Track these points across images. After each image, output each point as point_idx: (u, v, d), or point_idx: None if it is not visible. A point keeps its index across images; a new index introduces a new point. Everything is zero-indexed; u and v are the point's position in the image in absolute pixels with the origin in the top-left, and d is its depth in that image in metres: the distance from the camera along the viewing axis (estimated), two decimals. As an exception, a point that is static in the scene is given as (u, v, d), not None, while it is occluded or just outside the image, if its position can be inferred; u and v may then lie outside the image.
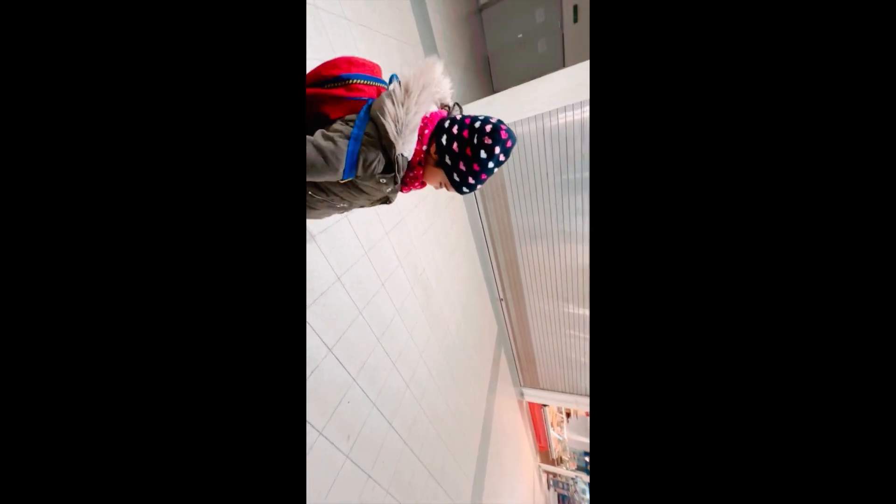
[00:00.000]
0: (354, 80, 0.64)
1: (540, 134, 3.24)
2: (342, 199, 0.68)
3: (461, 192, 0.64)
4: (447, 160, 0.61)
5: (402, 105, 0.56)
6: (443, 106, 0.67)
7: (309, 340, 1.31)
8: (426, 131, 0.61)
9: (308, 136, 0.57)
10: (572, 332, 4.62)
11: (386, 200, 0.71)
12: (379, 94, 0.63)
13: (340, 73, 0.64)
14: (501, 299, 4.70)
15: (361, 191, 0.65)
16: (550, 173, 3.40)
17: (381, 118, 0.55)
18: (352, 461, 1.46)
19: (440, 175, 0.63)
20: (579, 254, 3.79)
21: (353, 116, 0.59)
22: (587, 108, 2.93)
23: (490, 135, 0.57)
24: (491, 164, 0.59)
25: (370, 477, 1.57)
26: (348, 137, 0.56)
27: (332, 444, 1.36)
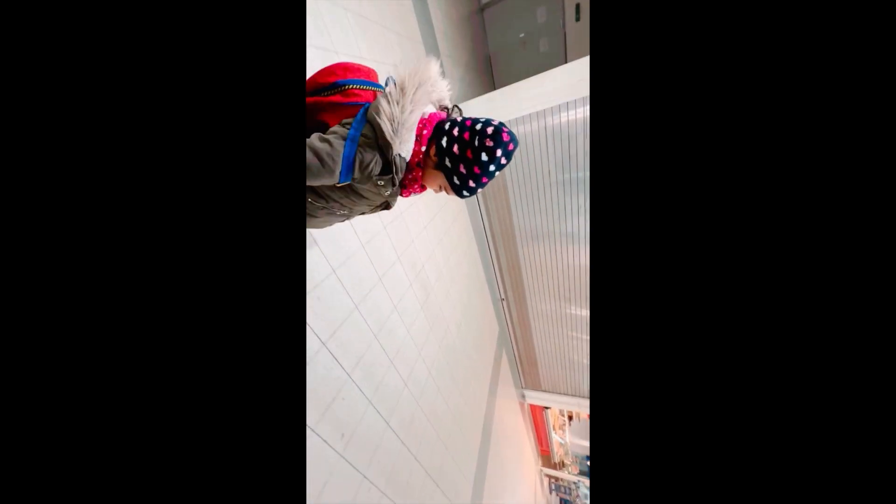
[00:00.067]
0: (351, 86, 0.64)
1: (542, 132, 3.22)
2: (342, 205, 0.67)
3: (461, 196, 0.62)
4: (447, 163, 0.59)
5: (398, 103, 0.55)
6: (442, 108, 0.66)
7: (302, 334, 1.26)
8: (425, 132, 0.60)
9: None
10: (575, 333, 4.57)
11: (386, 206, 0.70)
12: (375, 97, 0.62)
13: (336, 80, 0.64)
14: (503, 299, 4.66)
15: (360, 195, 0.64)
16: (553, 172, 3.38)
17: (377, 118, 0.55)
18: (346, 460, 1.41)
19: (440, 178, 0.62)
20: (582, 254, 3.75)
21: (350, 120, 0.58)
22: (589, 106, 2.90)
23: (491, 136, 0.55)
24: (492, 167, 0.57)
25: (365, 477, 1.52)
26: (344, 139, 0.55)
27: (326, 441, 1.32)
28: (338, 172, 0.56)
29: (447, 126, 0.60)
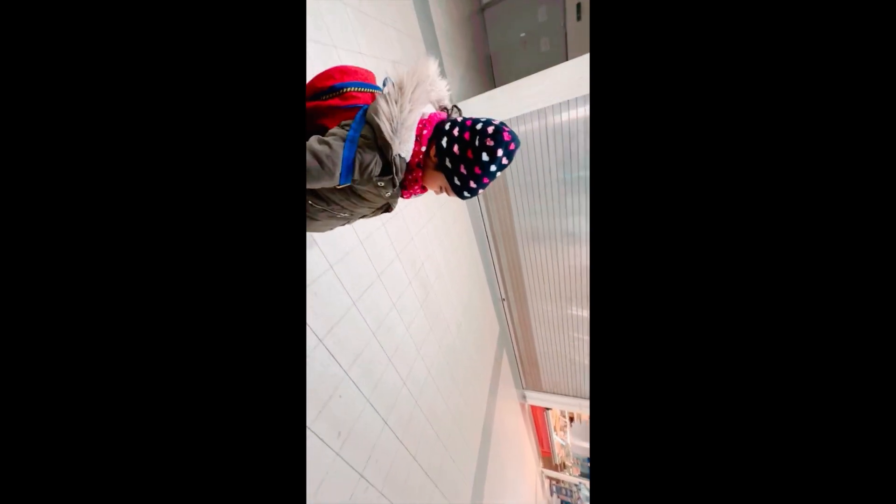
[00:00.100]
0: (348, 89, 0.64)
1: (543, 131, 3.21)
2: (342, 207, 0.66)
3: (462, 197, 0.61)
4: (447, 163, 0.58)
5: (397, 103, 0.54)
6: (441, 108, 0.65)
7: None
8: (425, 132, 0.59)
9: None
10: (576, 334, 4.54)
11: (388, 208, 0.69)
12: (374, 99, 0.62)
13: (334, 84, 0.64)
14: (503, 299, 4.63)
15: (361, 197, 0.63)
16: (554, 170, 3.36)
17: (376, 118, 0.54)
18: (343, 459, 1.39)
19: (440, 179, 0.61)
20: (584, 254, 3.73)
21: (349, 122, 0.58)
22: (589, 105, 2.88)
23: (492, 136, 0.54)
24: (493, 168, 0.56)
25: (362, 476, 1.50)
26: (343, 140, 0.55)
27: (322, 440, 1.30)
28: (338, 174, 0.55)
29: (447, 126, 0.59)
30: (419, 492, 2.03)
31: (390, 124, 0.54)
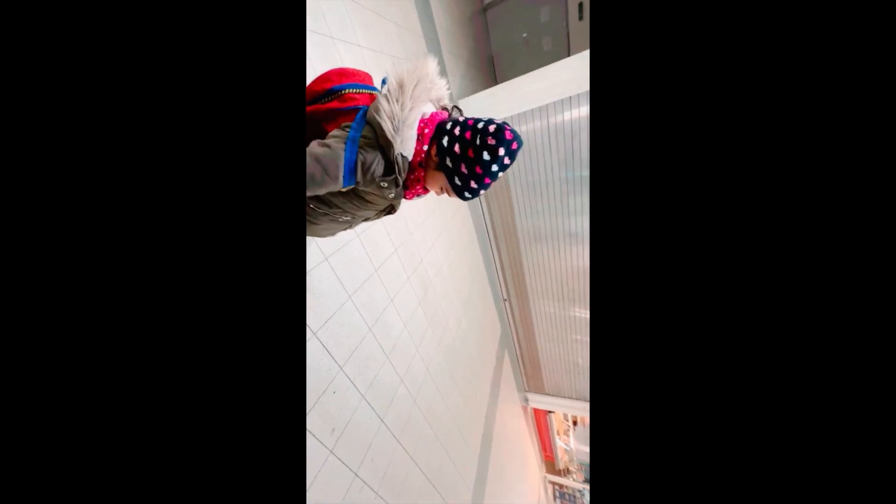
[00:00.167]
0: (347, 91, 0.63)
1: (545, 130, 3.18)
2: (344, 211, 0.66)
3: (463, 198, 0.60)
4: (448, 162, 0.57)
5: (398, 101, 0.54)
6: (441, 107, 0.65)
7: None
8: (426, 131, 0.59)
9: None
10: (579, 336, 4.48)
11: (391, 210, 0.68)
12: (372, 100, 0.61)
13: (332, 86, 0.64)
14: (505, 300, 4.58)
15: (364, 200, 0.62)
16: (556, 170, 3.33)
17: (377, 116, 0.54)
18: (336, 457, 1.34)
19: (441, 179, 0.60)
20: (587, 255, 3.68)
21: (349, 123, 0.57)
22: (589, 104, 2.85)
23: (493, 134, 0.54)
24: (494, 168, 0.55)
25: (357, 476, 1.45)
26: (344, 141, 0.55)
27: (314, 436, 1.26)
28: (341, 177, 0.54)
29: (449, 125, 0.58)
30: (417, 494, 1.97)
31: (392, 123, 0.54)
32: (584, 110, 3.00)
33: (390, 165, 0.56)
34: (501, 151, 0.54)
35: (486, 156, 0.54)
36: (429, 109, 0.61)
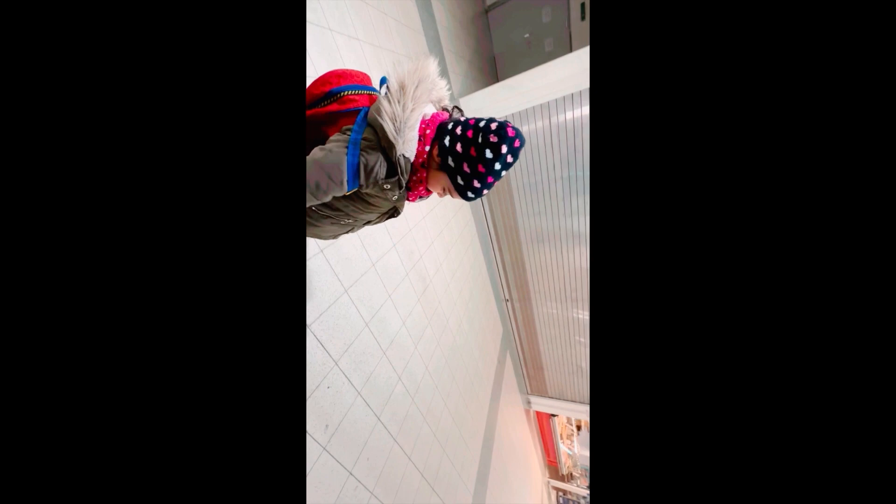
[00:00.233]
0: (346, 93, 0.63)
1: (547, 130, 3.16)
2: (346, 214, 0.65)
3: (466, 198, 0.59)
4: (450, 162, 0.57)
5: (399, 102, 0.54)
6: (442, 108, 0.65)
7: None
8: (428, 131, 0.58)
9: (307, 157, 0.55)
10: (582, 338, 4.41)
11: (394, 212, 0.68)
12: (372, 101, 0.62)
13: (331, 89, 0.64)
14: (507, 300, 4.53)
15: (367, 203, 0.62)
16: (559, 170, 3.30)
17: (379, 118, 0.53)
18: (330, 454, 1.31)
19: (444, 179, 0.59)
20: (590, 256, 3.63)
21: (350, 126, 0.57)
22: (589, 103, 2.82)
23: (496, 132, 0.53)
24: (497, 166, 0.54)
25: (351, 474, 1.41)
26: (346, 145, 0.54)
27: (307, 432, 1.22)
28: (345, 181, 0.54)
29: (450, 125, 0.58)
30: (415, 495, 1.92)
31: (394, 124, 0.53)
32: (587, 109, 2.98)
33: (392, 167, 0.55)
34: (504, 149, 0.53)
35: (488, 154, 0.53)
36: (430, 110, 0.61)
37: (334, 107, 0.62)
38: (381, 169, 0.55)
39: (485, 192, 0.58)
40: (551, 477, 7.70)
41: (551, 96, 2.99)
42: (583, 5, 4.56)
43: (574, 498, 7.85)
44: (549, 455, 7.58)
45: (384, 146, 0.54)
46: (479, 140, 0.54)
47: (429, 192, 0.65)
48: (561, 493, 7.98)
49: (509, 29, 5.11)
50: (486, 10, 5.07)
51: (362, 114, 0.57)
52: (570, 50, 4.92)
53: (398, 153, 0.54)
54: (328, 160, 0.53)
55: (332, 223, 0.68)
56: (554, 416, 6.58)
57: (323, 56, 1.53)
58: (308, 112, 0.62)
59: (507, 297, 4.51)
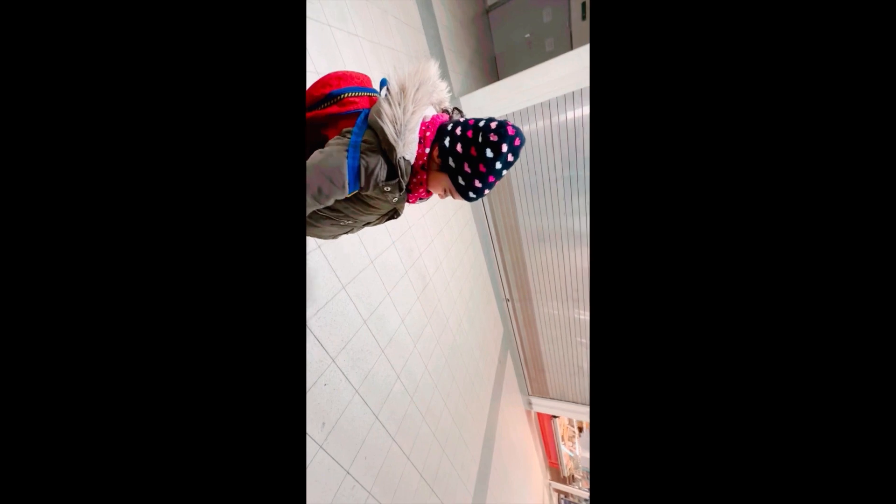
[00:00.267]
0: (346, 95, 0.63)
1: (548, 130, 3.15)
2: (346, 215, 0.65)
3: (467, 199, 0.59)
4: (451, 162, 0.57)
5: (399, 105, 0.54)
6: (442, 110, 0.65)
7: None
8: (427, 133, 0.59)
9: (307, 162, 0.55)
10: (584, 340, 4.38)
11: (394, 214, 0.68)
12: (372, 103, 0.62)
13: (331, 91, 0.64)
14: (508, 300, 4.51)
15: (367, 204, 0.62)
16: (560, 169, 3.29)
17: (379, 120, 0.54)
18: (326, 452, 1.29)
19: (444, 180, 0.60)
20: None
21: (349, 129, 0.57)
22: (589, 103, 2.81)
23: (496, 131, 0.53)
24: (498, 165, 0.54)
25: (349, 473, 1.40)
26: (346, 148, 0.54)
27: (303, 429, 1.21)
28: (347, 184, 0.54)
29: (450, 126, 0.58)
30: (413, 495, 1.90)
31: (394, 127, 0.53)
32: (586, 110, 2.97)
33: (393, 169, 0.55)
34: (504, 148, 0.53)
35: (489, 153, 0.53)
36: (430, 112, 0.61)
37: (334, 109, 0.62)
38: (381, 171, 0.55)
39: (486, 191, 0.57)
40: (552, 479, 7.65)
41: (552, 94, 2.98)
42: (584, 5, 4.56)
43: (576, 500, 7.78)
44: (550, 457, 7.53)
45: (384, 149, 0.54)
46: (480, 139, 0.53)
47: (429, 194, 0.66)
48: (563, 496, 7.92)
49: (510, 29, 5.12)
50: (487, 11, 5.07)
51: (362, 116, 0.57)
52: (572, 48, 4.91)
53: (398, 156, 0.54)
54: (329, 164, 0.53)
55: (332, 224, 0.68)
56: (555, 417, 6.54)
57: (323, 55, 1.53)
58: (308, 114, 0.62)
59: (508, 296, 4.49)
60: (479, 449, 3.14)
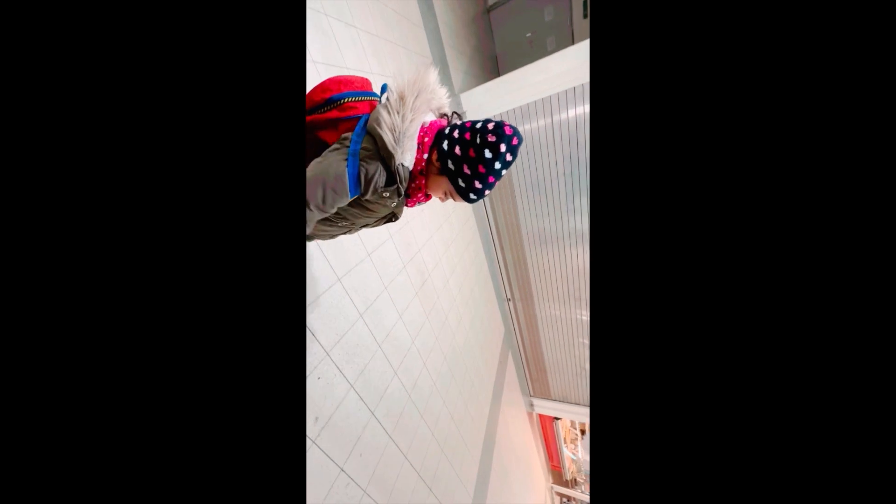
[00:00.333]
0: (346, 100, 0.64)
1: (549, 128, 3.13)
2: (344, 218, 0.66)
3: (468, 200, 0.60)
4: (450, 165, 0.57)
5: (398, 113, 0.54)
6: (441, 115, 0.66)
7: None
8: (426, 139, 0.59)
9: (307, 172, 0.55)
10: (586, 341, 4.33)
11: (392, 217, 0.69)
12: (372, 107, 0.63)
13: (331, 95, 0.64)
14: (509, 300, 4.46)
15: (366, 208, 0.63)
16: (561, 168, 3.26)
17: (378, 128, 0.54)
18: (319, 448, 1.25)
19: (444, 183, 0.60)
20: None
21: (348, 135, 0.58)
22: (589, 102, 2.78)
23: (493, 132, 0.54)
24: (497, 165, 0.54)
25: (343, 470, 1.36)
26: (345, 156, 0.55)
27: (295, 424, 1.17)
28: (348, 191, 0.55)
29: (447, 130, 0.59)
30: (411, 495, 1.86)
31: (393, 134, 0.54)
32: (587, 109, 2.94)
33: (392, 176, 0.56)
34: (503, 147, 0.53)
35: (487, 153, 0.53)
36: (429, 118, 0.62)
37: (334, 113, 0.63)
38: (380, 178, 0.56)
39: (486, 192, 0.57)
40: (554, 482, 7.55)
41: (552, 90, 2.96)
42: (585, 3, 4.54)
43: (578, 504, 7.67)
44: (552, 459, 7.44)
45: (383, 156, 0.55)
46: (478, 141, 0.54)
47: (428, 198, 0.67)
48: (565, 499, 7.81)
49: (511, 28, 5.11)
50: (488, 10, 5.07)
51: (362, 122, 0.58)
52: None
53: (397, 162, 0.55)
54: (330, 175, 0.53)
55: (330, 225, 0.68)
56: (557, 419, 6.46)
57: (322, 52, 1.51)
58: (308, 118, 0.63)
59: (510, 296, 4.45)
60: (479, 450, 3.08)
